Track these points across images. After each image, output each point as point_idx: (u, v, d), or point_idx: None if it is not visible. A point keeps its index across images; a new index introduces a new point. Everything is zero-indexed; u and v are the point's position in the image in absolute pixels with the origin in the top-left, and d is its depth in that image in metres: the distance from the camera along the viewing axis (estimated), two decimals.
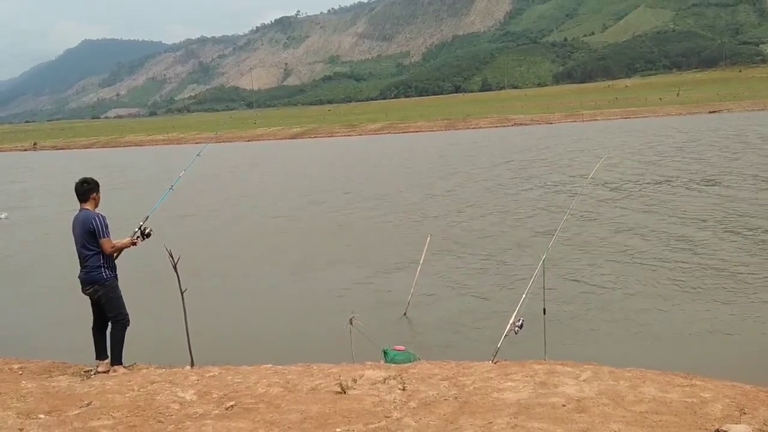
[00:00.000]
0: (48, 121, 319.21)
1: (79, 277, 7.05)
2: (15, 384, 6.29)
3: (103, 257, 6.97)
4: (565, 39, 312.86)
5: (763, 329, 8.77)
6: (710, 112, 68.33)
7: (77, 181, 7.20)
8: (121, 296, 7.09)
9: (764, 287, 10.36)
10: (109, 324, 7.18)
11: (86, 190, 7.12)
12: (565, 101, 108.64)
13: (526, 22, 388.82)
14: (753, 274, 11.11)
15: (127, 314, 7.08)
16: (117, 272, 7.14)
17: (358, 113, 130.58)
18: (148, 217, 7.30)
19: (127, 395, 5.68)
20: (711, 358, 7.84)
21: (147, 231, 7.28)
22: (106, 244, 6.95)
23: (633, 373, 5.71)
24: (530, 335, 7.38)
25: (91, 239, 6.96)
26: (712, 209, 17.04)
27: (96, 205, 7.18)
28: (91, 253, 6.95)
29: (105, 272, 6.96)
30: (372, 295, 11.41)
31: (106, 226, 6.99)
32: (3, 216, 24.16)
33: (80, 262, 7.07)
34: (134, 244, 7.21)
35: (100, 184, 7.28)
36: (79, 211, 7.13)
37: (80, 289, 7.12)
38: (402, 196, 23.92)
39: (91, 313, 7.24)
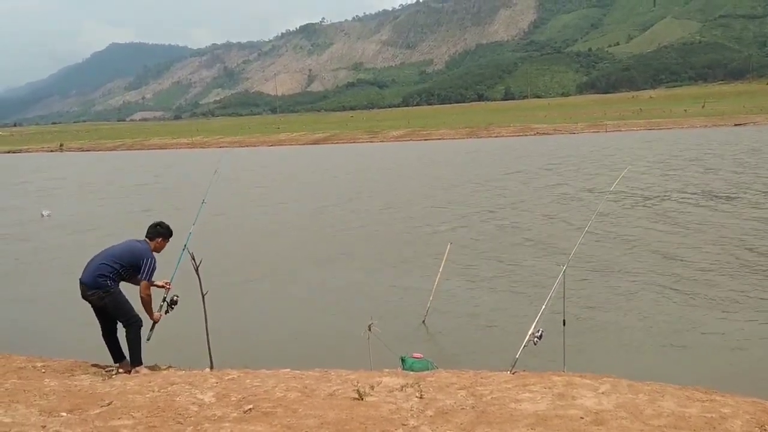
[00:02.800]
0: (74, 122, 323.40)
1: (81, 279, 7.08)
2: (38, 382, 6.37)
3: (115, 280, 7.06)
4: (590, 49, 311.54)
5: None
6: (735, 125, 67.61)
7: (154, 222, 7.50)
8: (127, 300, 7.16)
9: None
10: (119, 327, 7.26)
11: (157, 232, 7.36)
12: (589, 111, 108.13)
13: (551, 32, 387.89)
14: None
15: (138, 315, 7.15)
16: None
17: (380, 120, 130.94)
18: (172, 297, 7.46)
19: (147, 396, 5.74)
20: (732, 374, 7.75)
21: (174, 299, 7.44)
22: (145, 287, 7.08)
23: (652, 387, 5.66)
24: (549, 346, 7.34)
25: (129, 267, 7.10)
26: (735, 224, 16.85)
27: (155, 249, 7.33)
28: (112, 268, 7.04)
29: (110, 282, 7.04)
30: (391, 302, 11.42)
31: (153, 271, 7.16)
32: (46, 214, 24.45)
33: (89, 266, 7.14)
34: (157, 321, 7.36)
35: (172, 235, 7.49)
36: (141, 241, 7.31)
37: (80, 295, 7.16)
38: (423, 203, 23.90)
39: (98, 321, 7.33)
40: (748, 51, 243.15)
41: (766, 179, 25.33)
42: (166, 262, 7.64)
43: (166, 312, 7.44)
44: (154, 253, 7.29)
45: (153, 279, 7.23)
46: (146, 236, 7.36)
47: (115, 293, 7.07)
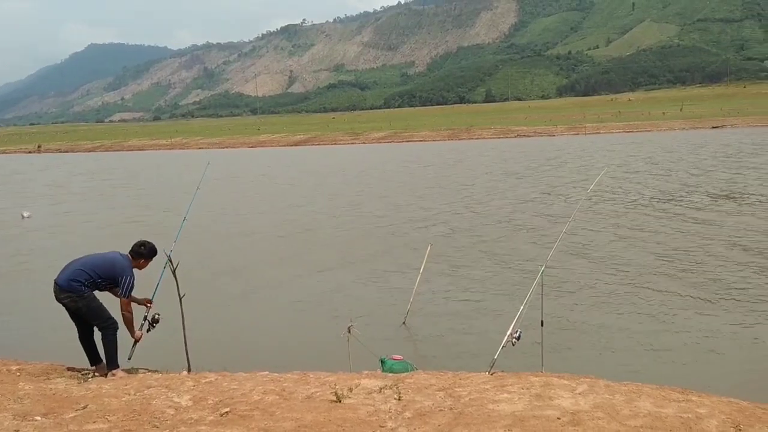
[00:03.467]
0: (53, 123, 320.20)
1: (56, 281, 7.00)
2: (12, 385, 6.30)
3: (89, 284, 6.99)
4: (569, 52, 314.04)
5: (761, 346, 8.75)
6: (713, 128, 68.41)
7: (139, 241, 7.38)
8: (101, 303, 7.08)
9: (764, 302, 10.34)
10: (96, 331, 7.19)
11: (139, 253, 7.27)
12: (568, 114, 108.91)
13: (531, 35, 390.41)
14: (753, 290, 11.09)
15: (113, 318, 7.08)
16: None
17: (362, 121, 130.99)
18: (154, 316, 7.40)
19: (123, 399, 5.69)
20: (708, 374, 7.83)
21: (156, 317, 7.39)
22: (126, 305, 7.04)
23: (629, 387, 5.70)
24: (527, 347, 7.37)
25: (106, 280, 7.05)
26: (716, 226, 17.04)
27: (136, 267, 7.28)
28: (88, 277, 6.98)
29: (83, 288, 6.97)
30: (371, 304, 11.40)
31: (132, 288, 7.09)
32: (26, 215, 24.12)
33: (66, 269, 7.08)
34: (138, 339, 7.30)
35: (155, 255, 7.39)
36: (124, 255, 7.25)
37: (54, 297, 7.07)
38: (404, 205, 23.92)
39: (74, 325, 7.26)
40: (725, 54, 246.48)
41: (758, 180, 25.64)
42: (147, 277, 7.57)
43: (148, 330, 7.38)
44: (135, 270, 7.23)
45: (133, 295, 7.18)
46: (130, 252, 7.30)
47: (89, 298, 6.99)
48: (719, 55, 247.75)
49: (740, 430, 4.79)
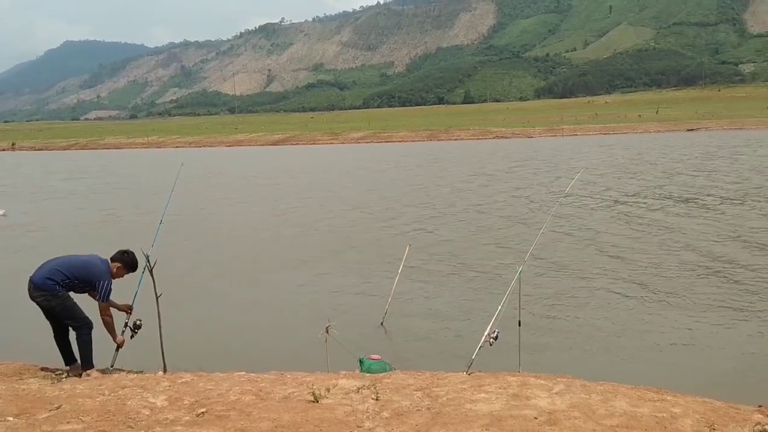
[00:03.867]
0: (27, 121, 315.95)
1: (32, 278, 6.93)
2: None
3: (64, 284, 6.91)
4: (547, 54, 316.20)
5: (734, 346, 8.87)
6: (688, 130, 69.23)
7: (123, 249, 7.31)
8: (75, 303, 7.01)
9: (738, 303, 10.48)
10: (71, 331, 7.11)
11: (123, 260, 7.20)
12: (546, 116, 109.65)
13: (510, 37, 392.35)
14: (726, 292, 11.23)
15: (87, 317, 7.00)
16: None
17: (341, 121, 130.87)
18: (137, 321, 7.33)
19: (97, 399, 5.62)
20: (682, 374, 7.91)
21: (138, 323, 7.29)
22: (105, 309, 6.96)
23: (605, 387, 5.74)
24: (505, 347, 7.40)
25: (81, 282, 6.98)
26: (689, 224, 17.24)
27: (115, 275, 7.19)
28: (64, 278, 6.90)
29: (58, 288, 6.89)
30: (349, 304, 11.39)
31: (109, 293, 7.01)
32: (1, 213, 23.66)
33: (42, 267, 7.01)
34: (121, 344, 7.22)
35: (136, 268, 7.33)
36: (104, 260, 7.16)
37: (29, 294, 6.99)
38: (382, 205, 23.93)
39: (49, 325, 7.18)
40: (700, 58, 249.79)
41: (727, 185, 25.97)
42: (126, 280, 7.48)
43: (131, 337, 7.29)
44: (113, 278, 7.16)
45: (112, 300, 7.12)
46: (111, 258, 7.22)
47: (62, 297, 6.91)
48: (694, 58, 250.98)
49: (714, 429, 4.84)
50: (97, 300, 6.97)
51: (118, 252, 7.27)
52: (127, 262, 7.25)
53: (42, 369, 7.40)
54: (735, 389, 7.02)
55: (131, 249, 7.37)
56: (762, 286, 11.44)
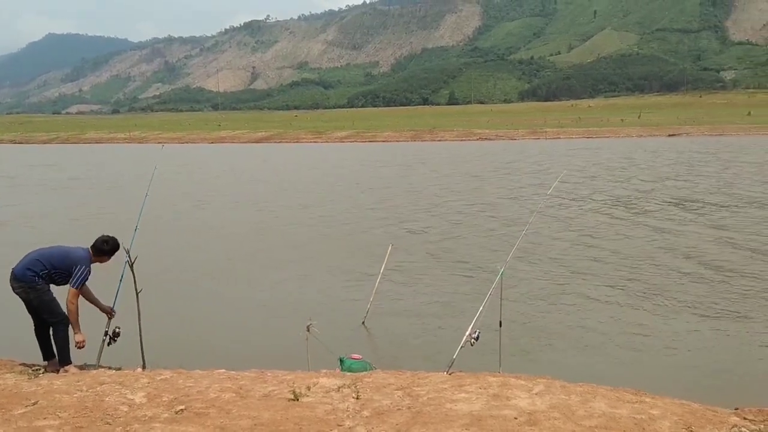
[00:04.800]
0: (7, 114, 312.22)
1: (14, 269, 6.88)
2: None
3: (44, 276, 6.85)
4: (532, 57, 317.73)
5: (711, 349, 8.96)
6: (669, 135, 69.79)
7: (104, 236, 7.23)
8: (54, 297, 6.95)
9: (717, 306, 10.59)
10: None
11: (102, 249, 7.13)
12: (530, 118, 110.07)
13: (495, 39, 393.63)
14: (705, 295, 11.34)
15: (64, 313, 6.94)
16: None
17: (325, 120, 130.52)
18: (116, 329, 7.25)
19: (75, 395, 5.57)
20: (662, 376, 7.98)
21: (117, 331, 7.20)
22: (73, 294, 6.85)
23: (584, 388, 5.78)
24: (486, 347, 7.43)
25: (60, 271, 6.90)
26: (671, 227, 17.39)
27: (93, 258, 7.12)
28: (43, 268, 6.84)
29: (37, 279, 6.82)
30: (330, 303, 11.37)
31: (84, 280, 6.93)
32: None
33: (23, 259, 6.95)
34: (79, 343, 7.02)
35: (114, 254, 7.25)
36: (84, 249, 7.09)
37: (10, 287, 6.94)
38: (365, 206, 23.92)
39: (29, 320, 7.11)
40: (683, 64, 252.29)
41: (710, 188, 26.22)
42: (108, 282, 7.41)
43: (109, 344, 7.19)
44: (93, 264, 7.09)
45: (95, 296, 7.08)
46: (91, 246, 7.15)
47: (41, 290, 6.84)
48: (677, 64, 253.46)
49: (692, 431, 4.89)
50: (69, 285, 6.87)
51: (98, 240, 7.17)
52: (107, 250, 7.18)
53: (19, 364, 7.33)
54: (712, 392, 7.10)
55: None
56: (742, 289, 11.56)
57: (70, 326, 6.91)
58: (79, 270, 6.85)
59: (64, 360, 6.95)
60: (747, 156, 41.80)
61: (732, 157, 41.37)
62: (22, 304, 6.97)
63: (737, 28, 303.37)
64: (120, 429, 4.82)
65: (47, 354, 7.13)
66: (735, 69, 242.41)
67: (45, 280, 6.87)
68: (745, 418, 5.37)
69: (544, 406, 5.21)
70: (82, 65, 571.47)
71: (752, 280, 12.19)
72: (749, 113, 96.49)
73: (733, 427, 5.09)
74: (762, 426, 5.21)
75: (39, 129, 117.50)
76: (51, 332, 6.99)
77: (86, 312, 7.13)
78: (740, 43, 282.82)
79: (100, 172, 40.69)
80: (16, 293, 6.89)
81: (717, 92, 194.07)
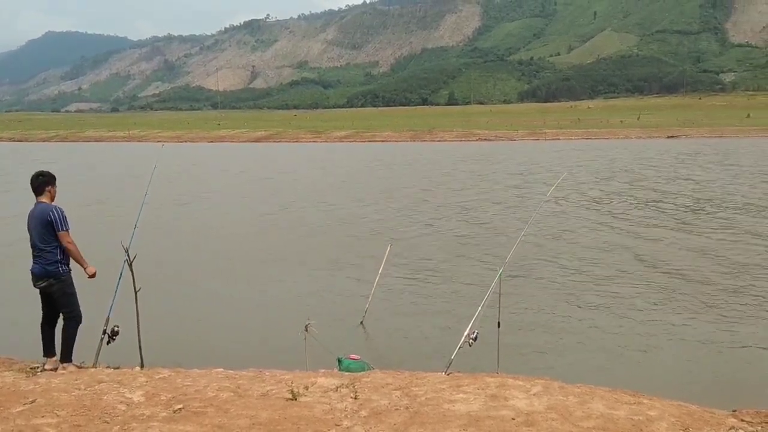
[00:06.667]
0: (7, 111, 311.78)
1: (32, 270, 6.94)
2: None
3: (60, 251, 6.87)
4: (532, 58, 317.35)
5: (709, 351, 8.97)
6: (668, 137, 69.80)
7: (33, 174, 7.09)
8: (75, 292, 7.01)
9: (715, 309, 10.60)
10: (60, 320, 7.06)
11: (42, 182, 7.05)
12: (529, 119, 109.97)
13: (495, 39, 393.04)
14: (704, 296, 11.35)
15: (80, 311, 6.97)
16: (70, 267, 7.03)
17: (325, 120, 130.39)
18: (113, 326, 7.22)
19: (73, 394, 5.57)
20: (659, 377, 7.98)
21: (115, 329, 7.19)
22: (65, 237, 6.88)
23: (582, 389, 5.79)
24: (484, 348, 7.43)
25: (48, 232, 6.87)
26: (675, 227, 17.40)
27: (52, 199, 7.08)
28: (49, 247, 6.86)
29: (61, 267, 6.89)
30: (329, 303, 11.38)
31: (65, 219, 6.94)
32: None
33: (34, 256, 6.97)
34: (92, 276, 7.06)
35: (56, 177, 7.18)
36: (36, 204, 7.02)
37: (31, 284, 6.98)
38: (365, 205, 23.92)
39: (41, 308, 7.11)
40: (682, 66, 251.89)
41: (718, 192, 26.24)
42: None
43: (108, 343, 7.17)
44: (54, 203, 7.06)
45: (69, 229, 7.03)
46: (37, 195, 7.06)
47: (66, 282, 6.94)
48: (676, 66, 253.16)
49: None
50: (58, 231, 6.85)
51: (38, 183, 7.04)
52: (50, 180, 7.09)
53: (17, 362, 7.33)
54: (710, 393, 7.10)
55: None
56: (739, 292, 11.57)
57: (78, 326, 6.96)
58: (54, 215, 6.85)
59: (66, 357, 6.96)
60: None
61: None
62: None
63: (737, 30, 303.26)
64: (118, 428, 4.82)
65: (48, 350, 7.12)
66: (734, 71, 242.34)
67: (63, 263, 6.91)
68: (742, 420, 5.37)
69: (542, 406, 5.22)
70: (82, 63, 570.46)
71: (750, 282, 12.20)
72: (749, 115, 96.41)
73: (730, 428, 5.10)
74: (759, 428, 5.22)
75: (38, 127, 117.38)
76: (62, 326, 6.99)
77: (85, 312, 7.12)
78: (740, 45, 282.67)
79: (98, 170, 40.66)
80: (39, 288, 6.96)
81: (716, 94, 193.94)
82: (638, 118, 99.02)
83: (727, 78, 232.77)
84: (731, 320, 10.09)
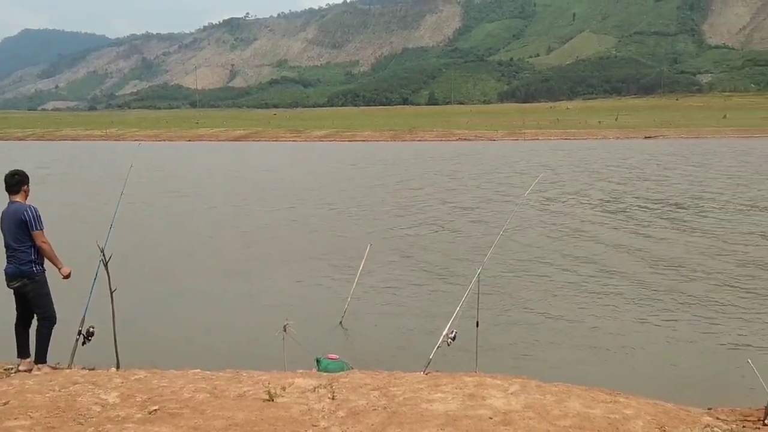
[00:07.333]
0: None
1: (5, 270, 6.86)
2: None
3: (35, 251, 6.80)
4: (511, 59, 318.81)
5: (685, 349, 9.05)
6: (646, 138, 70.48)
7: (7, 173, 7.00)
8: (49, 293, 6.93)
9: (691, 308, 10.70)
10: (34, 321, 6.97)
11: (17, 181, 6.96)
12: (509, 119, 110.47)
13: (474, 40, 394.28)
14: (681, 295, 11.46)
15: (55, 312, 6.89)
16: (44, 267, 6.95)
17: (305, 119, 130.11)
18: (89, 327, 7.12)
19: (47, 395, 5.50)
20: (635, 376, 8.05)
21: (91, 330, 7.10)
22: (39, 237, 6.80)
23: (559, 388, 5.81)
24: (463, 347, 7.44)
25: (22, 232, 6.79)
26: (650, 227, 17.56)
27: (26, 197, 7.00)
28: (23, 247, 6.78)
29: (36, 267, 6.81)
30: (307, 303, 11.34)
31: (39, 218, 6.86)
32: None
33: (8, 256, 6.87)
34: (67, 276, 6.97)
35: (29, 176, 7.10)
36: (9, 204, 6.94)
37: (5, 284, 6.89)
38: (344, 204, 23.89)
39: (15, 309, 7.02)
40: (660, 67, 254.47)
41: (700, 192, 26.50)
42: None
43: (83, 344, 7.07)
44: (27, 203, 6.96)
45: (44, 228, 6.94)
46: (11, 194, 6.94)
47: (40, 282, 6.86)
48: (654, 67, 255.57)
49: (665, 431, 4.94)
50: (32, 231, 6.76)
51: (11, 183, 6.93)
52: (24, 180, 6.98)
53: None
54: (686, 392, 7.17)
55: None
56: (716, 291, 11.70)
57: (53, 326, 6.87)
58: (28, 214, 6.76)
59: (41, 358, 6.87)
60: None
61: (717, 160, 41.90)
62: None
63: (714, 32, 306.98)
64: (92, 429, 4.76)
65: (23, 351, 7.03)
66: (711, 72, 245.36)
67: (38, 262, 6.83)
68: (717, 418, 5.43)
69: (519, 405, 5.23)
70: (59, 61, 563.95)
71: (726, 281, 12.34)
72: (725, 116, 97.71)
73: (705, 426, 5.15)
74: (734, 426, 5.27)
75: (14, 125, 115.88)
76: (36, 327, 6.90)
77: (60, 312, 7.03)
78: (717, 47, 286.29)
79: (74, 169, 40.24)
80: (13, 288, 6.87)
81: (693, 95, 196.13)
82: (616, 119, 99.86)
83: (704, 79, 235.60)
84: (707, 319, 10.19)
